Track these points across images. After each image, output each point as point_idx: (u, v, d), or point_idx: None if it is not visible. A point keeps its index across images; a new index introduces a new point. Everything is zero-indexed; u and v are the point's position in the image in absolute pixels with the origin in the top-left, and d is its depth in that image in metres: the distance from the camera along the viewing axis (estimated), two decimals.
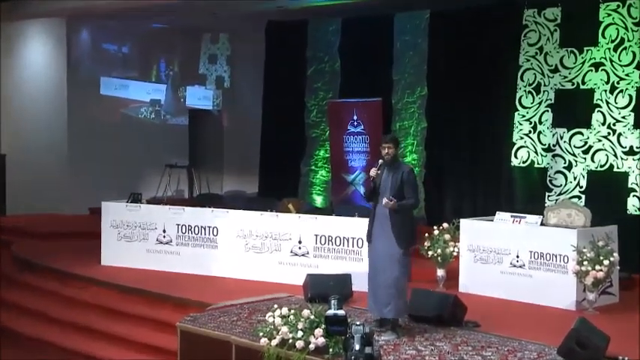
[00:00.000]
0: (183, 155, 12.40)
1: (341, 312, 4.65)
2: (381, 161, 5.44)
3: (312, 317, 5.03)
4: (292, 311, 5.14)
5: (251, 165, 12.24)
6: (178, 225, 8.01)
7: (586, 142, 8.34)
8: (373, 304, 5.48)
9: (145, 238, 8.16)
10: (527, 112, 8.89)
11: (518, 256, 6.81)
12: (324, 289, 6.35)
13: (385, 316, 5.45)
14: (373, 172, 5.38)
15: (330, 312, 4.67)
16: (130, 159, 11.78)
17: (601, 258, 6.21)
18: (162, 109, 13.12)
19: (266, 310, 5.43)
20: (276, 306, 5.23)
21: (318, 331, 4.85)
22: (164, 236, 8.10)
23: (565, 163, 8.52)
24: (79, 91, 11.80)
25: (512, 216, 6.98)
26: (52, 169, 11.63)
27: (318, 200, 11.44)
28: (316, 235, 7.35)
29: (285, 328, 4.99)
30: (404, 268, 5.36)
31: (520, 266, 6.79)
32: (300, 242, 7.45)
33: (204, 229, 7.87)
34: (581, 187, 8.37)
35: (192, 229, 7.93)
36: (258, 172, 12.09)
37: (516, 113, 8.93)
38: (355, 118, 10.51)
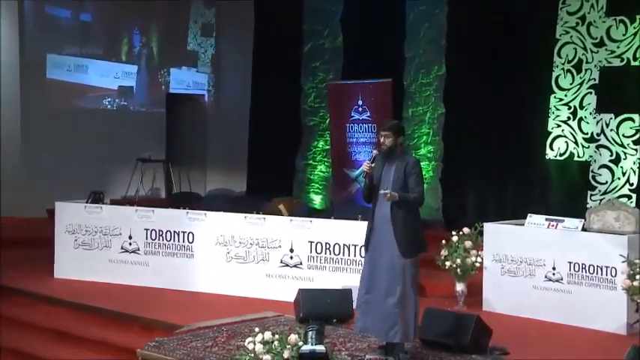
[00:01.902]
0: (158, 148, 12.24)
1: (320, 348, 4.54)
2: (375, 152, 5.39)
3: (300, 343, 4.84)
4: (277, 336, 4.92)
5: (239, 159, 12.38)
6: (147, 230, 7.95)
7: (637, 131, 8.33)
8: (372, 324, 5.32)
9: (108, 246, 8.12)
10: (566, 95, 8.89)
11: (554, 268, 6.75)
12: (320, 307, 6.33)
13: (390, 340, 5.32)
14: (366, 166, 5.30)
15: (306, 348, 4.56)
16: (94, 152, 11.62)
17: None
18: (135, 101, 12.49)
19: (249, 332, 5.34)
20: (257, 329, 5.01)
21: None
22: (130, 243, 8.05)
23: (611, 155, 8.51)
24: (32, 75, 11.51)
25: (547, 219, 6.90)
26: (5, 166, 11.34)
27: (317, 200, 11.55)
28: (311, 242, 7.30)
29: (267, 357, 4.80)
30: (410, 281, 5.23)
31: (557, 280, 6.72)
32: (291, 251, 7.39)
33: (178, 234, 7.83)
34: (631, 185, 8.37)
35: (164, 235, 7.89)
36: (247, 167, 12.29)
37: (552, 96, 8.93)
38: (360, 103, 10.55)
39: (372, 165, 5.31)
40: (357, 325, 5.45)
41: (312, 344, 4.55)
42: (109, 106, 12.30)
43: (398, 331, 5.19)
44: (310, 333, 4.60)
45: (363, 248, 5.53)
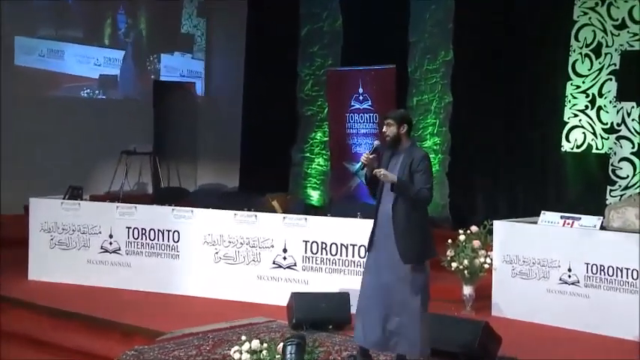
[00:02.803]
0: (145, 139, 12.14)
1: None
2: (376, 143, 5.28)
3: (292, 355, 4.69)
4: (265, 345, 4.84)
5: (232, 152, 12.46)
6: (129, 228, 7.95)
7: None
8: (371, 333, 5.18)
9: (86, 246, 8.11)
10: (584, 82, 8.92)
11: (570, 270, 6.71)
12: (315, 312, 6.33)
13: (391, 352, 5.25)
14: (364, 157, 5.15)
15: None
16: (74, 145, 11.53)
17: None
18: (119, 92, 12.28)
19: (237, 340, 5.26)
20: (244, 338, 4.93)
21: None
22: (110, 243, 8.04)
23: (633, 147, 8.53)
24: (3, 59, 11.27)
25: (562, 217, 6.88)
26: None
27: (314, 196, 11.61)
28: (306, 242, 7.29)
29: None
30: (415, 288, 5.09)
31: (573, 283, 6.69)
32: (284, 251, 7.37)
33: (163, 233, 7.83)
34: None
35: (147, 234, 7.89)
36: (240, 160, 12.38)
37: (569, 83, 8.97)
38: (361, 91, 10.53)
39: (372, 156, 5.17)
40: (355, 333, 5.34)
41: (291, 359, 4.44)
42: (90, 95, 12.06)
43: (398, 342, 5.09)
44: (289, 347, 4.49)
45: (364, 248, 5.46)
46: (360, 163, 5.20)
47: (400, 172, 5.08)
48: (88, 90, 11.96)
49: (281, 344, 4.80)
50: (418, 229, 5.10)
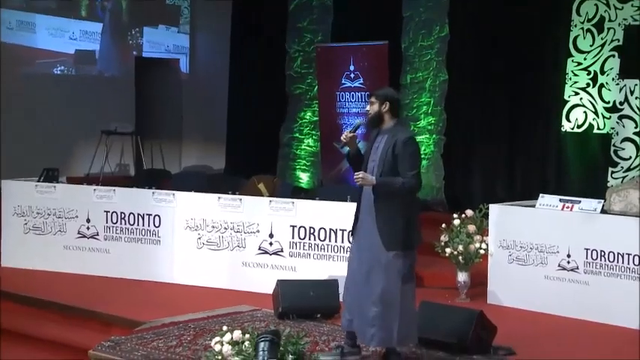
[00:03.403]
0: (126, 118, 12.04)
1: None
2: (358, 121, 5.38)
3: (265, 352, 4.60)
4: (247, 336, 4.77)
5: (218, 131, 12.45)
6: (107, 212, 7.96)
7: None
8: (356, 323, 5.23)
9: (62, 231, 8.12)
10: (585, 59, 8.91)
11: (569, 256, 6.71)
12: (302, 300, 6.36)
13: (367, 344, 5.26)
14: (344, 135, 5.19)
15: None
16: (51, 124, 11.41)
17: None
18: (98, 67, 12.09)
19: (220, 330, 5.13)
20: (225, 328, 4.90)
21: None
22: (88, 228, 8.04)
23: (636, 127, 8.53)
24: None
25: (561, 200, 6.86)
26: None
27: (304, 178, 11.60)
28: (293, 227, 7.31)
29: None
30: (397, 277, 5.06)
31: (572, 269, 6.69)
32: (271, 236, 7.39)
33: (143, 217, 7.86)
34: None
35: (127, 219, 7.91)
36: (226, 141, 12.37)
37: (570, 60, 8.95)
38: (352, 68, 10.51)
39: (352, 135, 5.17)
40: (342, 321, 5.36)
41: (263, 358, 4.37)
42: (65, 71, 11.82)
43: (375, 334, 5.08)
44: (262, 344, 4.40)
45: (350, 233, 5.43)
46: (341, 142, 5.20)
47: (382, 154, 5.06)
48: (63, 67, 11.70)
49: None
50: (402, 216, 5.06)
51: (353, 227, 5.27)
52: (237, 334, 4.78)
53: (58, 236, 8.07)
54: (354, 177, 5.07)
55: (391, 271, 5.04)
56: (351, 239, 6.46)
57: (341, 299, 5.88)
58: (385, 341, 5.12)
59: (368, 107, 5.16)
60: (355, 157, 5.22)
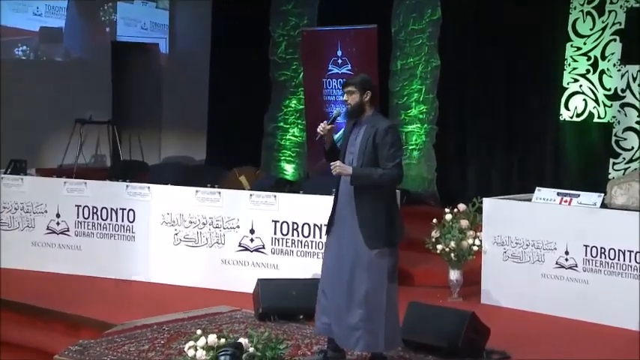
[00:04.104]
0: (102, 106, 12.05)
1: None
2: (336, 111, 5.29)
3: (251, 350, 4.64)
4: (223, 340, 4.73)
5: (199, 120, 12.51)
6: (78, 207, 7.99)
7: None
8: (334, 326, 5.19)
9: (30, 226, 8.14)
10: (585, 43, 8.93)
11: (567, 253, 6.71)
12: (284, 300, 6.36)
13: (352, 349, 5.23)
14: (321, 127, 5.12)
15: None
16: (19, 111, 11.29)
17: None
18: (64, 50, 11.92)
19: (194, 333, 5.15)
20: (199, 332, 4.85)
21: None
22: (58, 223, 8.05)
23: (639, 115, 8.56)
24: None
25: (559, 193, 6.87)
26: None
27: (289, 170, 11.67)
28: (275, 222, 7.33)
29: None
30: (381, 276, 5.06)
31: (571, 267, 6.69)
32: (252, 232, 7.41)
33: (116, 212, 7.89)
34: None
35: (99, 213, 7.94)
36: (207, 130, 12.47)
37: (569, 45, 8.98)
38: (340, 54, 10.52)
39: (329, 127, 5.14)
40: (316, 325, 5.32)
41: None
42: (27, 54, 11.57)
43: (361, 338, 5.04)
44: (222, 358, 4.39)
45: (326, 229, 5.38)
46: (341, 132, 5.17)
47: (362, 145, 5.04)
48: (24, 47, 11.42)
49: (242, 339, 4.70)
50: (384, 211, 5.05)
51: (329, 223, 5.22)
52: (212, 338, 4.75)
53: (25, 232, 8.08)
54: (331, 167, 5.03)
55: (375, 271, 5.02)
56: (324, 236, 6.51)
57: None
58: (371, 345, 5.08)
59: (346, 97, 5.13)
60: (331, 149, 5.20)
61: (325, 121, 5.14)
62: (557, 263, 6.70)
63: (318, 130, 5.13)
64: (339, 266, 5.13)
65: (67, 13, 11.75)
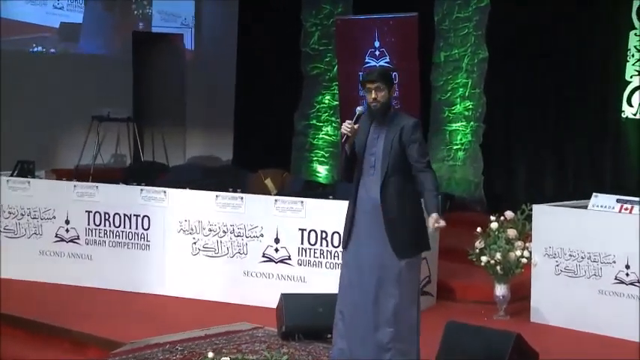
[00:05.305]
0: (122, 102, 12.18)
1: None
2: (359, 109, 5.18)
3: None
4: None
5: (226, 117, 12.68)
6: (89, 213, 8.02)
7: None
8: (356, 349, 5.17)
9: (38, 233, 8.20)
10: None
11: (628, 267, 6.62)
12: (310, 318, 6.31)
13: None
14: (346, 127, 5.10)
15: None
16: (33, 109, 11.45)
17: None
18: (81, 45, 12.12)
19: (213, 351, 5.22)
20: (211, 355, 4.75)
21: None
22: (67, 230, 8.09)
23: None
24: None
25: (618, 200, 6.81)
26: None
27: (322, 172, 11.74)
28: (302, 230, 7.31)
29: None
30: (409, 289, 5.09)
31: (631, 283, 6.58)
32: (277, 241, 7.39)
33: (130, 219, 7.91)
34: None
35: (111, 220, 7.96)
36: (233, 129, 12.62)
37: (632, 34, 8.98)
38: (377, 45, 10.52)
39: (356, 127, 5.12)
40: (333, 350, 5.31)
41: None
42: (43, 50, 11.80)
43: (393, 358, 5.03)
44: None
45: (341, 245, 5.39)
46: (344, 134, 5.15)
47: (386, 145, 5.07)
48: (42, 47, 11.69)
49: None
50: (414, 215, 5.09)
51: (346, 235, 5.21)
52: None
53: (33, 240, 8.15)
54: (435, 227, 4.96)
55: (405, 283, 5.04)
56: (340, 250, 6.51)
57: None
58: None
59: (374, 94, 5.09)
60: (352, 153, 5.18)
61: (349, 121, 5.11)
62: (616, 278, 6.62)
63: (344, 130, 5.11)
64: (360, 282, 5.10)
65: (86, 7, 12.03)
